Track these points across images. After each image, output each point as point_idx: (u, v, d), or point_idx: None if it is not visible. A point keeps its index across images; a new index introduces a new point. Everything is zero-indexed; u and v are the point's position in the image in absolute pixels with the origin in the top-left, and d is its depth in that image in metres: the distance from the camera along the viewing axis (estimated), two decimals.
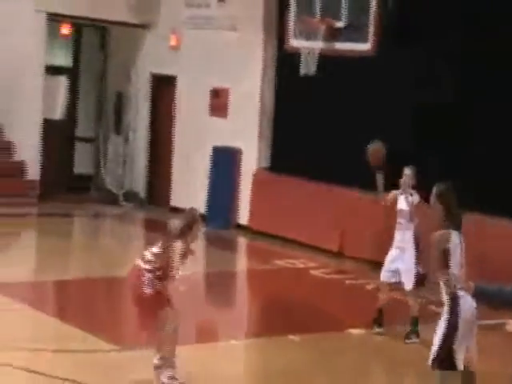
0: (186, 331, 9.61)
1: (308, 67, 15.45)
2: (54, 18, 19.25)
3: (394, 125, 14.47)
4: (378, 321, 10.85)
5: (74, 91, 21.26)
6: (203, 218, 17.45)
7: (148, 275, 8.08)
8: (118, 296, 11.66)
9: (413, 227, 10.68)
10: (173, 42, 19.12)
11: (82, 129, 21.38)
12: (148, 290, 8.09)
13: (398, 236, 10.77)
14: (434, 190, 7.45)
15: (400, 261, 10.66)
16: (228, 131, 17.86)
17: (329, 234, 15.59)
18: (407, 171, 10.74)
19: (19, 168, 18.66)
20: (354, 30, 15.16)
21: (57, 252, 14.90)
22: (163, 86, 19.63)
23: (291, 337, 10.45)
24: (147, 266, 8.12)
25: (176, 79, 19.12)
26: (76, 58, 21.41)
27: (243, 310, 13.00)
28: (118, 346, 9.68)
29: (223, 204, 17.64)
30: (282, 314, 11.90)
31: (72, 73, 21.33)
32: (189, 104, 18.77)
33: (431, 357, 7.24)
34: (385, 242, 11.22)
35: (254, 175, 17.46)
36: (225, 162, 17.65)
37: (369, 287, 13.01)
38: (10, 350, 9.18)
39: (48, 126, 19.43)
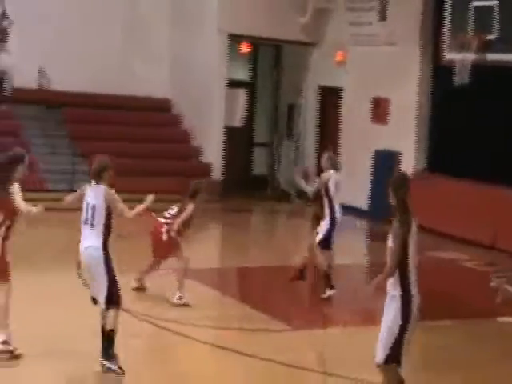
0: (352, 315, 9.65)
1: (462, 77, 15.19)
2: (235, 38, 19.67)
3: None
4: None
5: (251, 102, 21.63)
6: (365, 214, 17.62)
7: (165, 227, 10.23)
8: (291, 282, 11.78)
9: None
10: (338, 58, 19.16)
11: (259, 135, 21.72)
12: (164, 238, 10.22)
13: None
14: None
15: None
16: (388, 136, 17.76)
17: (482, 229, 15.25)
18: None
19: (206, 169, 19.17)
20: (506, 42, 14.79)
21: (238, 242, 15.21)
22: (330, 97, 19.70)
23: (444, 322, 10.31)
24: (165, 221, 10.30)
25: (341, 91, 19.16)
26: (253, 73, 21.77)
27: None
28: (290, 326, 9.82)
29: (384, 201, 17.49)
30: (436, 301, 11.72)
31: (250, 86, 21.71)
32: (353, 112, 18.76)
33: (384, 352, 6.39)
34: None
35: (412, 175, 17.30)
36: (385, 163, 17.52)
37: None
38: (200, 327, 9.49)
39: (229, 132, 19.88)
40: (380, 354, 6.41)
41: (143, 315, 9.49)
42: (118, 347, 7.76)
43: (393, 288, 6.43)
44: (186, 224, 10.39)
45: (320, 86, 19.92)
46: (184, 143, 20.17)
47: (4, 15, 19.19)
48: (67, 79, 18.55)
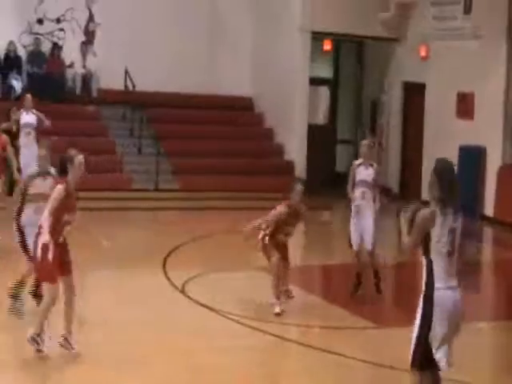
0: None
1: None
2: (317, 36, 19.56)
3: None
4: None
5: (334, 100, 21.50)
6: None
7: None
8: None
9: None
10: (422, 53, 18.85)
11: (342, 132, 21.57)
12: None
13: None
14: None
15: None
16: (473, 131, 17.38)
17: None
18: None
19: (289, 166, 19.13)
20: None
21: (321, 240, 15.11)
22: (413, 93, 19.41)
23: None
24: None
25: (425, 86, 18.84)
26: (336, 71, 21.62)
27: (489, 295, 12.59)
28: (376, 324, 9.68)
29: (470, 197, 17.17)
30: None
31: (332, 83, 21.57)
32: (437, 108, 18.44)
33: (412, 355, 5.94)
34: None
35: (499, 171, 16.91)
36: (471, 159, 17.17)
37: None
38: (282, 324, 9.44)
39: (312, 129, 19.78)
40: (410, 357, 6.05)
41: (231, 314, 9.50)
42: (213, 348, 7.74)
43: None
44: (278, 225, 9.75)
45: (403, 81, 19.64)
46: (266, 141, 20.17)
47: (91, 18, 19.53)
48: (151, 80, 18.76)
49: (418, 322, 5.94)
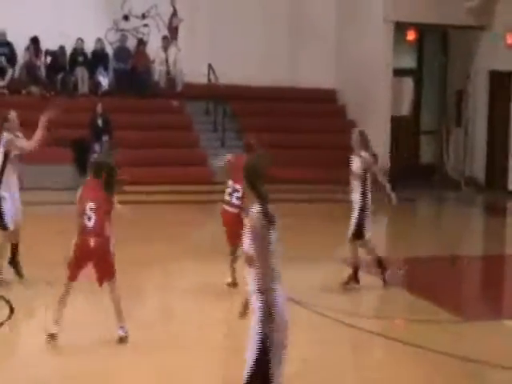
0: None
1: None
2: (400, 26, 19.22)
3: None
4: None
5: (418, 90, 21.12)
6: None
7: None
8: (460, 272, 11.36)
9: None
10: (510, 41, 18.33)
11: (426, 123, 21.18)
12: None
13: None
14: None
15: None
16: None
17: None
18: None
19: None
20: None
21: (405, 231, 14.86)
22: (500, 82, 18.89)
23: None
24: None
25: None
26: (419, 61, 21.23)
27: None
28: (462, 316, 9.42)
29: None
30: None
31: (416, 74, 21.19)
32: None
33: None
34: None
35: None
36: None
37: None
38: (368, 318, 9.27)
39: (396, 121, 19.47)
40: None
41: (310, 305, 9.38)
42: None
43: None
44: None
45: (490, 70, 19.13)
46: (349, 133, 19.88)
47: (174, 14, 19.62)
48: (234, 73, 18.73)
49: None
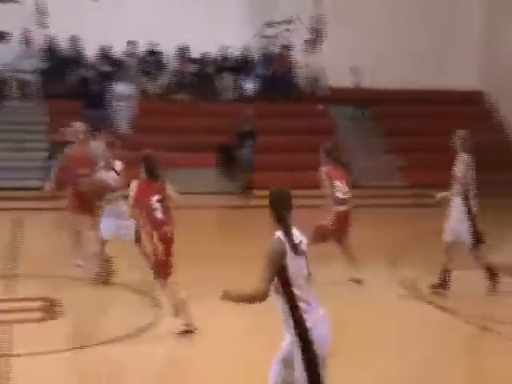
0: None
1: None
2: None
3: None
4: None
5: None
6: None
7: None
8: None
9: None
10: None
11: None
12: None
13: None
14: None
15: None
16: None
17: None
18: None
19: None
20: None
21: None
22: None
23: None
24: None
25: None
26: None
27: None
28: None
29: None
30: None
31: None
32: None
33: None
34: None
35: None
36: None
37: None
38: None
39: None
40: None
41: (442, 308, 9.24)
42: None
43: None
44: None
45: None
46: (498, 135, 19.32)
47: (318, 18, 19.68)
48: (378, 77, 18.60)
49: None
